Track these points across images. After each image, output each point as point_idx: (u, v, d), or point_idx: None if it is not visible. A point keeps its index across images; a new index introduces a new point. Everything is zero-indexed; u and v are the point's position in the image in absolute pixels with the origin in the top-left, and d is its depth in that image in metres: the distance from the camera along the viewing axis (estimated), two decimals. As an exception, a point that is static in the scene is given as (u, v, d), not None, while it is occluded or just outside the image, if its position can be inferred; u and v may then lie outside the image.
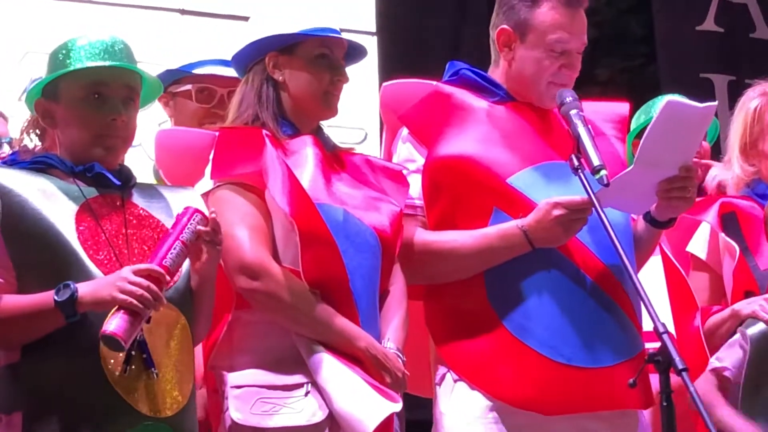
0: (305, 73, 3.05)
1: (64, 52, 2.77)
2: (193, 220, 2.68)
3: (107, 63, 2.75)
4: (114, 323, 2.54)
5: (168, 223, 2.76)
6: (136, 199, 2.81)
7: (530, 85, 3.19)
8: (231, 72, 3.63)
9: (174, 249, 2.64)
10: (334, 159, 3.10)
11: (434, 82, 3.24)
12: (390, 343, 2.98)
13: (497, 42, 3.23)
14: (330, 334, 2.88)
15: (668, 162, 3.03)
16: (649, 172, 3.03)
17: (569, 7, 3.16)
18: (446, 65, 3.36)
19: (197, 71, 3.71)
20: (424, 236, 3.13)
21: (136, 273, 2.58)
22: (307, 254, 2.88)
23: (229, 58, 3.23)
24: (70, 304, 2.57)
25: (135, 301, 2.55)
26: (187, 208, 2.71)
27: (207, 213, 2.77)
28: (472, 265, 3.09)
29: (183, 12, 5.38)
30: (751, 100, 3.64)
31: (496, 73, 3.25)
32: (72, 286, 2.58)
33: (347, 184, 3.05)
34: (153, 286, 2.57)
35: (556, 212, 3.00)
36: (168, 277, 2.62)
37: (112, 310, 2.57)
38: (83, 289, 2.58)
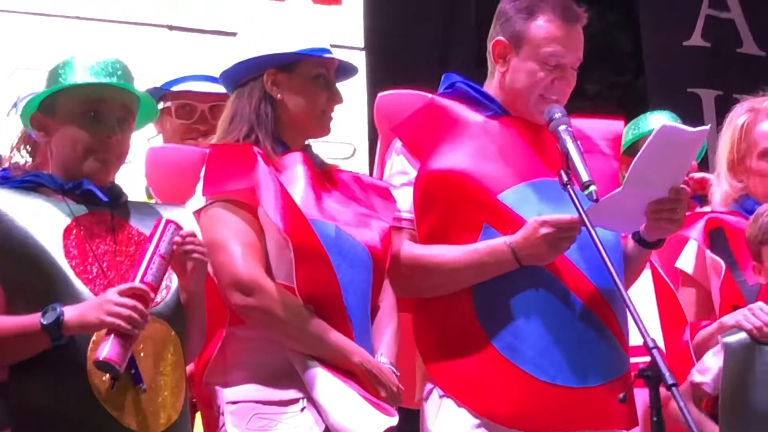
0: (304, 93, 3.06)
1: (64, 68, 2.79)
2: (168, 231, 2.68)
3: (107, 81, 2.77)
4: (106, 348, 2.54)
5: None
6: (127, 216, 2.81)
7: (522, 97, 3.18)
8: (210, 87, 3.68)
9: (153, 263, 2.64)
10: (324, 176, 3.10)
11: (429, 95, 3.24)
12: (383, 358, 2.99)
13: (493, 53, 3.22)
14: (324, 349, 2.89)
15: (658, 183, 3.04)
16: (638, 192, 3.03)
17: (566, 22, 3.16)
18: (433, 80, 3.36)
19: (175, 88, 3.77)
20: (412, 250, 3.13)
21: (121, 293, 2.58)
22: (301, 270, 2.88)
23: (216, 73, 3.24)
24: (56, 328, 2.57)
25: (123, 323, 2.55)
26: (159, 220, 2.71)
27: (192, 227, 2.78)
28: (460, 279, 3.09)
29: (171, 28, 5.38)
30: (738, 116, 3.64)
31: (492, 85, 3.25)
32: (58, 309, 2.58)
33: (337, 201, 3.06)
34: (139, 305, 2.57)
35: (544, 230, 3.00)
36: (153, 294, 2.62)
37: (102, 334, 2.56)
38: (70, 312, 2.58)
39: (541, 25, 3.16)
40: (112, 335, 2.55)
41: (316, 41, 3.08)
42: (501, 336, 3.06)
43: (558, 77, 3.17)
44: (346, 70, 3.16)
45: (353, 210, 3.06)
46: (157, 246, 2.66)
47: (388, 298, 3.08)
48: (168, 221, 2.70)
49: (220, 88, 3.60)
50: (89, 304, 2.60)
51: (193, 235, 2.74)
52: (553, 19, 3.16)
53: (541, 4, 3.18)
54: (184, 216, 2.86)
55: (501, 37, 3.20)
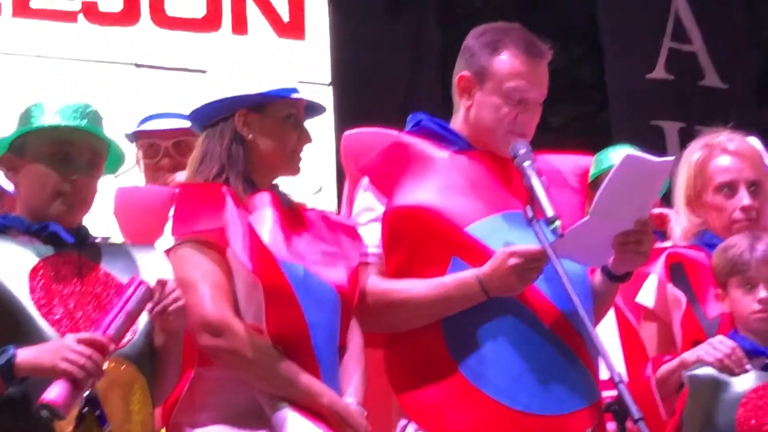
0: (276, 134, 3.08)
1: (35, 109, 2.81)
2: (139, 291, 2.70)
3: (76, 124, 2.78)
4: (54, 391, 2.54)
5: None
6: (97, 257, 2.82)
7: (488, 133, 3.19)
8: (171, 123, 3.76)
9: (118, 319, 2.66)
10: (292, 215, 3.11)
11: (395, 132, 3.25)
12: (350, 398, 2.99)
13: (458, 88, 3.23)
14: (293, 391, 2.89)
15: (624, 215, 3.05)
16: (604, 224, 3.04)
17: (530, 57, 3.17)
18: (400, 115, 3.38)
19: (140, 128, 3.93)
20: (380, 285, 3.14)
21: (79, 341, 2.58)
22: (270, 311, 2.89)
23: (184, 109, 3.25)
24: (8, 369, 2.57)
25: (76, 369, 2.55)
26: (132, 279, 2.73)
27: (164, 268, 2.77)
28: (429, 313, 3.10)
29: (138, 65, 5.39)
30: (693, 152, 3.64)
31: (457, 120, 3.25)
32: (11, 350, 2.58)
33: (306, 241, 3.06)
34: (96, 355, 2.57)
35: (512, 261, 3.01)
36: (112, 346, 2.63)
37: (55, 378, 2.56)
38: (24, 354, 2.58)
39: (505, 60, 3.18)
40: (63, 379, 2.55)
41: (286, 81, 3.10)
42: (471, 366, 3.06)
43: (521, 111, 3.18)
44: (313, 109, 3.18)
45: (321, 249, 3.07)
46: (125, 304, 2.68)
47: (355, 339, 3.08)
48: (140, 282, 2.72)
49: (181, 123, 3.65)
50: (46, 347, 2.61)
51: (164, 286, 2.74)
52: (518, 54, 3.17)
53: (505, 40, 3.20)
54: (157, 257, 2.88)
55: (466, 72, 3.22)
